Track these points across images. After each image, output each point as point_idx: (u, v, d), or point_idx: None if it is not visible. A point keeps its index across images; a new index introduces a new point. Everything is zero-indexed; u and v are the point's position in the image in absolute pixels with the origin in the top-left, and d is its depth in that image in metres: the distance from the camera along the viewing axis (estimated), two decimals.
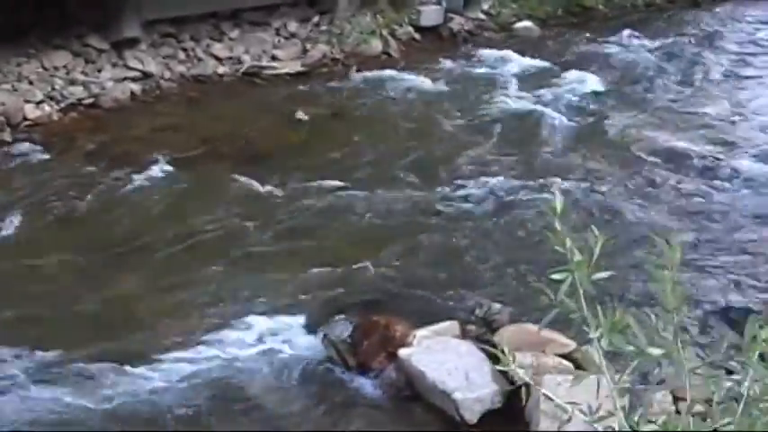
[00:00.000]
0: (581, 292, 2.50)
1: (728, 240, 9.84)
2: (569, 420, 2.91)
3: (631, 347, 2.49)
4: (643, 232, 9.36)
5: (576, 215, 9.73)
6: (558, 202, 2.59)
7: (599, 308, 2.52)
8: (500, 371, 6.07)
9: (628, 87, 15.62)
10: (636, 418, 2.56)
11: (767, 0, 23.81)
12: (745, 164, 12.06)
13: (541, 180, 10.91)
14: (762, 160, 12.23)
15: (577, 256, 2.50)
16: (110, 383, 6.92)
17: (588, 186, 10.93)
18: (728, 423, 2.49)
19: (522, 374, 3.17)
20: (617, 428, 2.57)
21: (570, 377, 5.99)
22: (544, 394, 5.58)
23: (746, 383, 2.53)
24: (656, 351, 2.48)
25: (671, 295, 2.49)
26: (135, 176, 10.55)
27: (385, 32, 16.46)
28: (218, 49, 14.84)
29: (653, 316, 2.57)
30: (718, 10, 23.10)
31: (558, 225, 2.55)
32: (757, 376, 2.51)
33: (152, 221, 9.75)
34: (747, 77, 17.09)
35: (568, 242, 2.52)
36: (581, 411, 2.63)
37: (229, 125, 12.53)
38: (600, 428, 2.58)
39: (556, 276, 2.52)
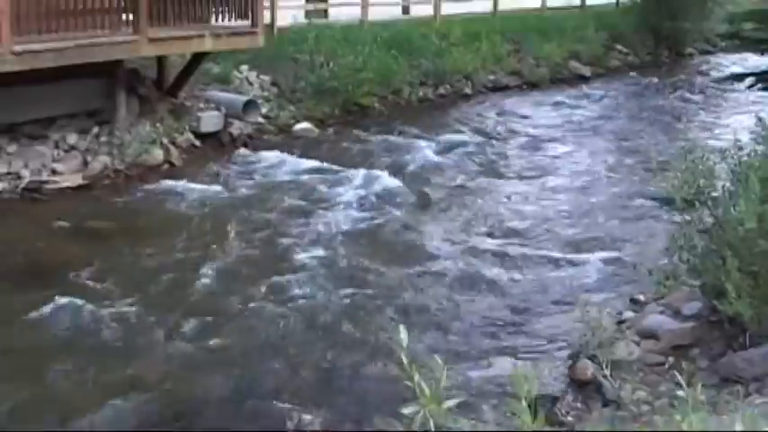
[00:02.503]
0: (431, 423, 2.67)
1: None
2: None
3: None
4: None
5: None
6: (403, 337, 2.77)
7: None
8: None
9: (409, 183, 15.99)
10: None
11: (530, 93, 25.28)
12: (537, 252, 12.60)
13: (342, 284, 11.12)
14: (550, 248, 12.85)
15: (426, 390, 2.67)
16: None
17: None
18: None
19: None
20: None
21: None
22: None
23: None
24: None
25: None
26: None
27: (166, 141, 16.52)
28: None
29: None
30: (486, 103, 24.30)
31: (404, 359, 2.72)
32: None
33: None
34: (526, 161, 18.19)
35: (416, 376, 2.70)
36: None
37: (7, 243, 12.27)
38: None
39: (406, 411, 2.69)
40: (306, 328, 9.95)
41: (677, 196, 7.60)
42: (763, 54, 12.38)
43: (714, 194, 7.70)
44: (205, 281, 11.16)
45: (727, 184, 7.82)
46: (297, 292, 10.90)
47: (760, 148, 7.74)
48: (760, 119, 7.62)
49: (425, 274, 11.61)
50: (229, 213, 13.92)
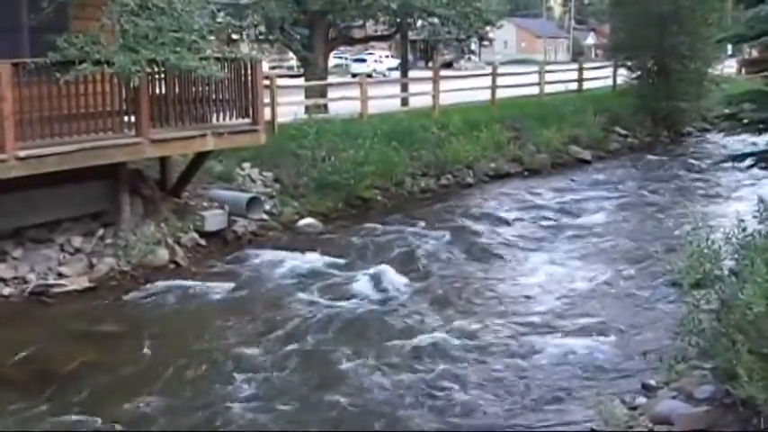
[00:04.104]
0: None
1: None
2: None
3: None
4: None
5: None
6: None
7: None
8: None
9: (419, 274, 16.05)
10: None
11: (531, 180, 25.45)
12: (547, 341, 12.54)
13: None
14: (559, 335, 12.80)
15: None
16: None
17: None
18: None
19: None
20: None
21: None
22: None
23: None
24: None
25: None
26: None
27: (171, 241, 16.58)
28: (2, 269, 14.60)
29: None
30: (488, 192, 24.47)
31: None
32: None
33: None
34: (531, 250, 18.21)
35: None
36: None
37: (18, 348, 12.24)
38: None
39: None
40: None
41: (684, 281, 7.60)
42: (760, 134, 12.55)
43: (720, 277, 7.71)
44: (215, 382, 11.11)
45: (733, 266, 7.85)
46: (301, 386, 10.87)
47: (763, 229, 7.77)
48: (762, 200, 7.66)
49: (432, 371, 11.44)
50: (236, 312, 13.86)
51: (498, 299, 14.75)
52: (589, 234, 19.60)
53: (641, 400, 9.57)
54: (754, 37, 12.81)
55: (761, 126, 12.66)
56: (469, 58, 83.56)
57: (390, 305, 14.31)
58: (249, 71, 17.29)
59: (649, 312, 13.55)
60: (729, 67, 43.40)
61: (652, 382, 9.95)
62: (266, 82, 21.07)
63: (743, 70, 47.71)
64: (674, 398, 8.90)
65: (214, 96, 17.04)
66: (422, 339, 12.58)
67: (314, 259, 16.79)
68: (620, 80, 38.96)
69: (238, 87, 17.26)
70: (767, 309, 6.86)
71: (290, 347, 12.29)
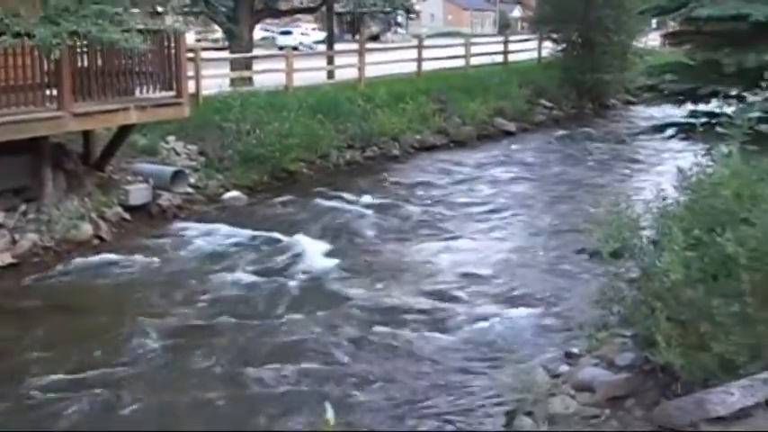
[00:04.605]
0: None
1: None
2: None
3: None
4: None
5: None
6: (330, 412, 2.79)
7: None
8: None
9: (343, 246, 16.18)
10: None
11: (457, 151, 25.59)
12: (470, 313, 12.62)
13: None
14: (481, 306, 12.94)
15: None
16: None
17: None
18: None
19: None
20: None
21: None
22: None
23: None
24: None
25: None
26: None
27: (94, 215, 16.40)
28: None
29: None
30: (414, 163, 24.53)
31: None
32: None
33: None
34: (455, 222, 18.34)
35: None
36: None
37: None
38: None
39: None
40: (235, 396, 9.91)
41: (604, 250, 7.70)
42: (680, 105, 12.72)
43: (640, 246, 7.82)
44: (137, 353, 11.06)
45: (652, 235, 7.96)
46: (223, 359, 10.87)
47: (681, 198, 7.89)
48: (680, 169, 7.77)
49: (353, 340, 11.55)
50: (161, 285, 13.82)
51: (420, 271, 14.83)
52: (512, 206, 19.80)
53: (564, 368, 9.70)
54: (674, 9, 12.93)
55: (681, 97, 12.82)
56: (396, 31, 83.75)
57: (312, 277, 14.35)
58: (173, 44, 17.13)
59: (572, 282, 13.70)
60: (654, 40, 43.83)
61: (575, 351, 10.08)
62: (190, 54, 20.88)
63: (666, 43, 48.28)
64: (595, 365, 9.02)
65: (137, 69, 16.85)
66: (341, 310, 12.70)
67: (239, 232, 16.76)
68: (545, 53, 39.14)
69: (162, 60, 17.10)
70: (684, 276, 6.98)
71: (212, 321, 12.31)
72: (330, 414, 2.78)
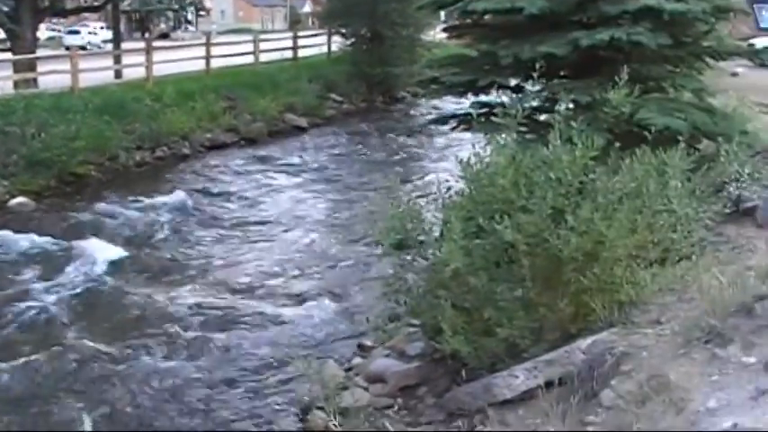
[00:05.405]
0: None
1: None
2: None
3: None
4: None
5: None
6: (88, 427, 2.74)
7: None
8: None
9: (133, 249, 15.80)
10: None
11: (247, 148, 25.54)
12: (262, 312, 12.59)
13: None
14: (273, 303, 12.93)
15: None
16: None
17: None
18: None
19: None
20: None
21: None
22: None
23: None
24: None
25: None
26: None
27: None
28: None
29: None
30: (204, 162, 24.33)
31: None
32: None
33: None
34: (245, 220, 18.28)
35: None
36: None
37: None
38: None
39: None
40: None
41: (385, 242, 7.80)
42: (461, 96, 13.01)
43: (422, 237, 7.96)
44: None
45: (434, 226, 8.10)
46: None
47: (461, 187, 8.06)
48: (461, 160, 7.92)
49: (141, 345, 11.32)
50: None
51: (210, 270, 14.74)
52: (302, 201, 19.91)
53: (357, 360, 9.81)
54: (451, 3, 13.19)
55: (461, 89, 13.09)
56: (186, 29, 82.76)
57: (102, 281, 14.01)
58: None
59: (362, 275, 13.85)
60: (442, 33, 44.71)
61: (367, 343, 10.20)
62: None
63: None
64: (387, 356, 9.16)
65: None
66: (129, 314, 12.54)
67: (25, 239, 16.14)
68: (335, 47, 39.40)
69: None
70: (467, 265, 7.13)
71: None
72: (88, 426, 2.74)
